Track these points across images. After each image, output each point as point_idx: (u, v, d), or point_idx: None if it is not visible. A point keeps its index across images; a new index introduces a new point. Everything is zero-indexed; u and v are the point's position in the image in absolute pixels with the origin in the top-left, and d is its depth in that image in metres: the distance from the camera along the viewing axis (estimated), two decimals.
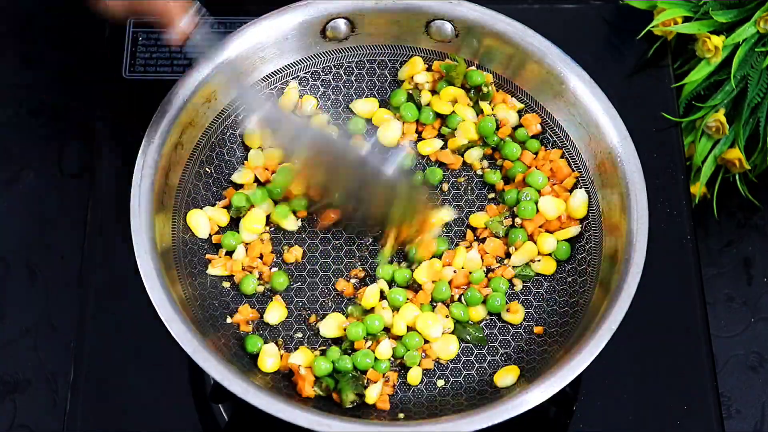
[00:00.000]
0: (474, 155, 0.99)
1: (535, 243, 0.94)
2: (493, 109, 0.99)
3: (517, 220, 0.95)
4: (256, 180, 0.97)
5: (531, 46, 0.98)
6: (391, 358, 0.91)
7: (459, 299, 0.93)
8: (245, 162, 0.98)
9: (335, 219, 0.96)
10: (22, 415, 1.02)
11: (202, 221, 0.94)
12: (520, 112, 0.99)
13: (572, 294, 0.93)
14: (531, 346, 0.92)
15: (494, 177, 0.98)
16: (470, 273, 0.94)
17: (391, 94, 1.01)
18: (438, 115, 1.00)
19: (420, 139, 1.00)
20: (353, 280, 0.94)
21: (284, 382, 0.90)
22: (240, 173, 0.97)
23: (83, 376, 0.94)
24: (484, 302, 0.93)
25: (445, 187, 0.98)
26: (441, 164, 0.99)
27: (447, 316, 0.92)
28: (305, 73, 1.01)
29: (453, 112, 0.99)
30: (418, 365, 0.91)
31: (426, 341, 0.91)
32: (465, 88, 1.00)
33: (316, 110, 1.00)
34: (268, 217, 0.96)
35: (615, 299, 0.87)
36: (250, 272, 0.93)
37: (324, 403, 0.88)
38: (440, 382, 0.91)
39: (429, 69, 1.01)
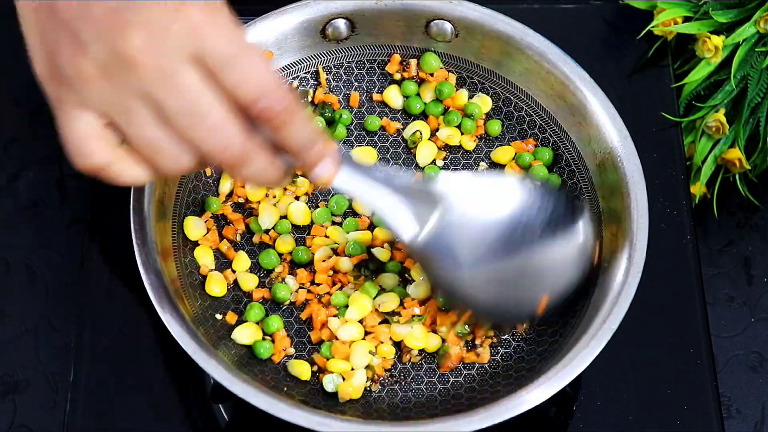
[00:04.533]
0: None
1: None
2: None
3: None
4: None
5: (531, 46, 0.98)
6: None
7: None
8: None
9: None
10: (22, 415, 1.01)
11: (199, 224, 0.95)
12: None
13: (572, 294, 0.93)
14: (531, 346, 0.92)
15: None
16: None
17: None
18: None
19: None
20: None
21: (285, 382, 0.90)
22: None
23: (83, 376, 0.94)
24: None
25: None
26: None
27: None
28: (305, 73, 1.02)
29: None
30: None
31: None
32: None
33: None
34: None
35: (615, 299, 0.87)
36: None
37: (323, 403, 0.88)
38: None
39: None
